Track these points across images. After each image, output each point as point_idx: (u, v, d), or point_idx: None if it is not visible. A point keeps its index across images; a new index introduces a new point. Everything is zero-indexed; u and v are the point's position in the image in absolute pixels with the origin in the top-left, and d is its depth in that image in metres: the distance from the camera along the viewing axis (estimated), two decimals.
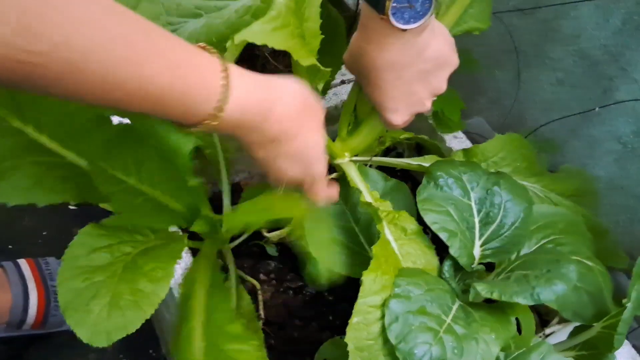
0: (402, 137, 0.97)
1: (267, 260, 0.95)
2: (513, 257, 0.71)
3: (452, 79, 0.75)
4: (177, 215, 0.70)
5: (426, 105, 0.73)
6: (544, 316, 0.92)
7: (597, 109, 0.93)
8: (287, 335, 0.89)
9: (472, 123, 1.15)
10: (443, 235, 0.69)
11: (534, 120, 1.06)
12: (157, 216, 0.66)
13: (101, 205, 0.80)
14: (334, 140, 0.84)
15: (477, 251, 0.71)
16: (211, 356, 0.62)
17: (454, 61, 0.72)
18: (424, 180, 0.75)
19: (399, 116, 0.73)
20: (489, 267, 0.73)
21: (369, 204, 0.74)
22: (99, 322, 0.57)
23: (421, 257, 0.72)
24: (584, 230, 0.77)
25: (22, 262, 1.09)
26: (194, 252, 0.82)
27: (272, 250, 0.94)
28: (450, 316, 0.62)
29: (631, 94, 0.88)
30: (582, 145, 0.99)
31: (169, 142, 0.65)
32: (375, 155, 0.93)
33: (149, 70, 0.46)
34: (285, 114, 0.57)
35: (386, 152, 1.08)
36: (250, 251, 0.95)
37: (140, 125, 0.63)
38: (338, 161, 0.83)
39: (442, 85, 0.72)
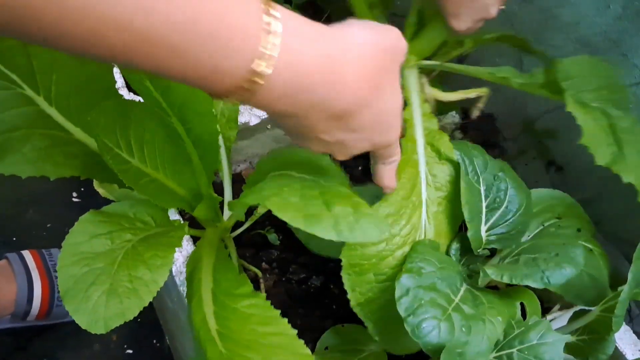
0: (485, 36, 0.87)
1: (269, 249, 0.95)
2: (516, 243, 0.71)
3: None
4: (180, 199, 0.70)
5: (491, 12, 0.69)
6: (545, 303, 0.92)
7: None
8: (290, 322, 0.89)
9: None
10: (467, 215, 0.69)
11: (535, 108, 1.06)
12: (160, 198, 0.67)
13: (103, 193, 0.80)
14: None
15: (483, 236, 0.72)
16: (222, 316, 0.63)
17: None
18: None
19: (462, 22, 0.69)
20: (491, 253, 0.74)
21: (410, 115, 0.71)
22: (97, 308, 0.57)
23: (447, 185, 0.71)
24: (581, 212, 0.78)
25: (26, 254, 1.10)
26: (195, 241, 0.82)
27: (273, 239, 0.95)
28: (459, 297, 0.63)
29: (632, 80, 0.88)
30: None
31: (171, 123, 0.65)
32: (450, 61, 0.85)
33: (163, 3, 0.32)
34: (359, 78, 0.42)
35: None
36: (252, 240, 0.95)
37: (146, 102, 0.63)
38: (403, 67, 0.76)
39: None
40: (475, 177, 0.74)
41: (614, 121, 0.72)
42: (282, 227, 0.95)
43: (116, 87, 0.67)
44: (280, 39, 0.36)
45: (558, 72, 0.77)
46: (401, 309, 0.60)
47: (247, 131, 1.02)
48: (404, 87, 0.72)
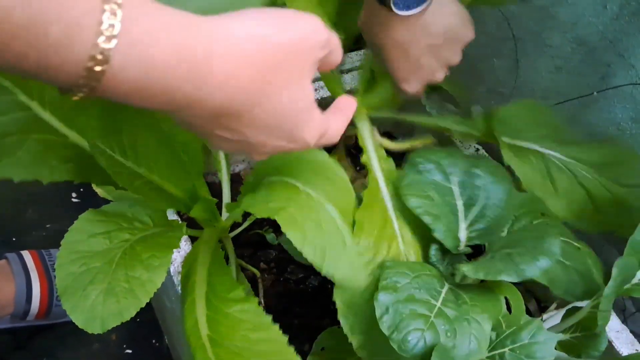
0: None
1: (268, 249, 0.96)
2: (499, 237, 0.72)
3: (450, 69, 0.77)
4: (176, 200, 0.70)
5: (437, 76, 0.74)
6: (542, 303, 0.92)
7: (595, 93, 0.93)
8: (287, 322, 0.89)
9: (471, 112, 1.15)
10: (427, 219, 0.69)
11: None
12: (156, 200, 0.67)
13: (101, 193, 0.81)
14: None
15: (462, 234, 0.72)
16: (215, 321, 0.63)
17: (466, 34, 0.72)
18: (405, 168, 0.75)
19: (411, 86, 0.74)
20: (479, 250, 0.74)
21: (368, 160, 0.76)
22: (94, 308, 0.58)
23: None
24: None
25: (25, 254, 1.10)
26: (194, 241, 0.82)
27: (271, 239, 0.95)
28: (440, 300, 0.63)
29: (628, 80, 0.88)
30: (580, 133, 0.99)
31: (167, 124, 0.65)
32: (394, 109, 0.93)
33: None
34: (236, 75, 0.38)
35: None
36: (250, 240, 0.96)
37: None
38: (356, 119, 0.83)
39: (454, 58, 0.73)
40: (443, 177, 0.74)
41: (548, 162, 0.83)
42: (280, 228, 0.96)
43: None
44: (120, 28, 0.32)
45: (496, 119, 0.84)
46: (384, 327, 0.60)
47: None
48: (359, 136, 0.81)
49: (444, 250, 0.70)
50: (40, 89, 0.60)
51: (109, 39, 0.32)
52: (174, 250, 0.66)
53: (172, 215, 0.82)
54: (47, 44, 0.31)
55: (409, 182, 0.73)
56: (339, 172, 0.67)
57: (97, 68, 0.33)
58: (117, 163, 0.60)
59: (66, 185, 1.32)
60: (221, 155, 0.90)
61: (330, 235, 0.59)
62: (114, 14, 0.32)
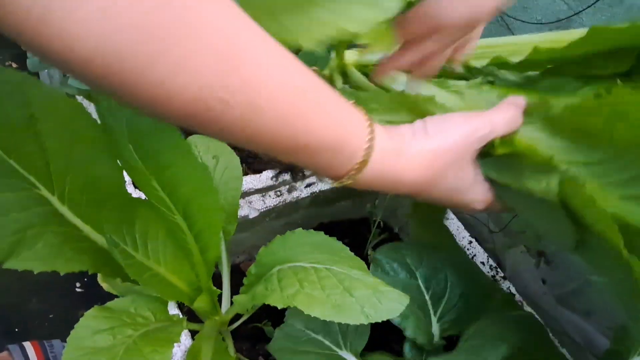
0: None
1: (266, 343, 0.97)
2: (471, 326, 0.73)
3: None
4: (180, 292, 0.74)
5: None
6: None
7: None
8: None
9: None
10: (395, 320, 0.71)
11: None
12: (162, 291, 0.70)
13: (106, 287, 0.84)
14: None
15: (435, 328, 0.74)
16: None
17: None
18: (371, 268, 0.78)
19: None
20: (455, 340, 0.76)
21: None
22: None
23: None
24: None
25: (28, 345, 1.11)
26: (194, 335, 0.84)
27: (270, 332, 0.96)
28: None
29: None
30: None
31: (174, 219, 0.69)
32: None
33: (314, 123, 0.46)
34: (414, 182, 0.58)
35: None
36: (249, 333, 0.97)
37: (149, 200, 0.68)
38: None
39: None
40: (408, 275, 0.77)
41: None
42: (278, 320, 0.97)
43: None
44: (373, 153, 0.52)
45: None
46: None
47: (246, 224, 1.06)
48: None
49: (418, 347, 0.72)
50: (60, 185, 0.66)
51: (365, 161, 0.52)
52: (175, 345, 0.68)
53: (173, 309, 0.84)
54: (337, 156, 0.50)
55: None
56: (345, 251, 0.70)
57: (355, 174, 0.52)
58: (128, 255, 0.64)
59: (71, 275, 1.34)
60: (222, 249, 0.93)
61: (361, 288, 0.60)
62: (372, 141, 0.51)
